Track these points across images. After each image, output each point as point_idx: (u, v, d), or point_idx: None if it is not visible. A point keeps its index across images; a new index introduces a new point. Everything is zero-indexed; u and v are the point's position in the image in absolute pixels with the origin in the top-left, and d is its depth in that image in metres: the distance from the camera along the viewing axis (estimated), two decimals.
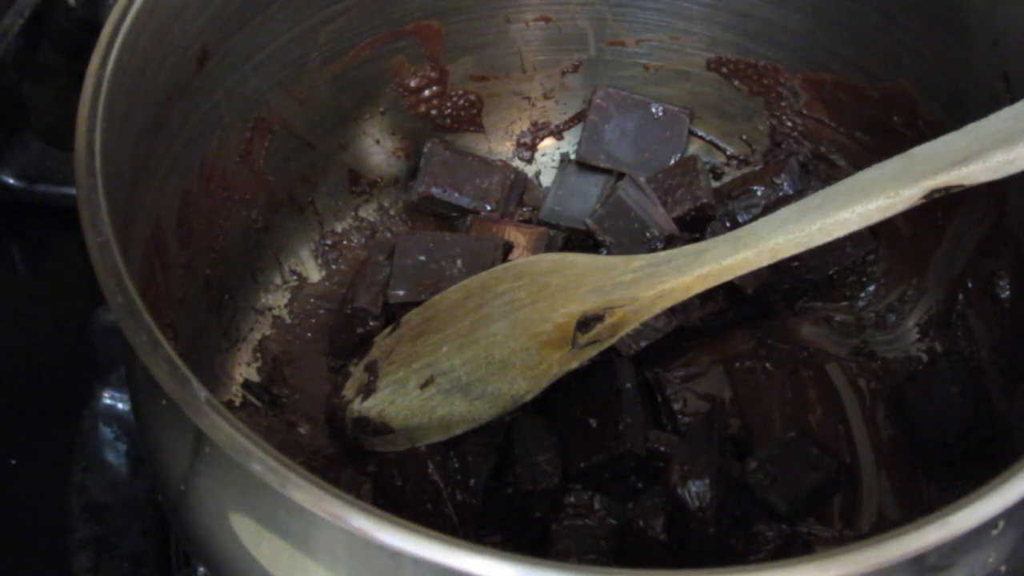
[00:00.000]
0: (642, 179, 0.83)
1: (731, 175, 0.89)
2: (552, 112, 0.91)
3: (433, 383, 0.73)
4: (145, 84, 0.65)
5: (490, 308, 0.73)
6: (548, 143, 0.92)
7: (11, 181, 0.93)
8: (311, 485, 0.47)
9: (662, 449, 0.73)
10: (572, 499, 0.73)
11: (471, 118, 0.90)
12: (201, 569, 0.64)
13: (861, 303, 0.84)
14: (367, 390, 0.75)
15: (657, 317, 0.75)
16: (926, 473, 0.76)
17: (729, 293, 0.79)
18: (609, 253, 0.80)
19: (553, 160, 0.91)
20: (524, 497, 0.71)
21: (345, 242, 0.86)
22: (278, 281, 0.83)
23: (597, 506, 0.73)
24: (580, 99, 0.90)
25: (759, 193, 0.83)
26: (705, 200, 0.81)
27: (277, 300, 0.83)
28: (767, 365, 0.81)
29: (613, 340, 0.70)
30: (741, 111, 0.88)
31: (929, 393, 0.76)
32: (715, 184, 0.88)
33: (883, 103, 0.81)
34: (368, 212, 0.88)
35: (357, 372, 0.77)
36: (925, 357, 0.80)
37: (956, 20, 0.75)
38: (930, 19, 0.76)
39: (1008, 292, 0.76)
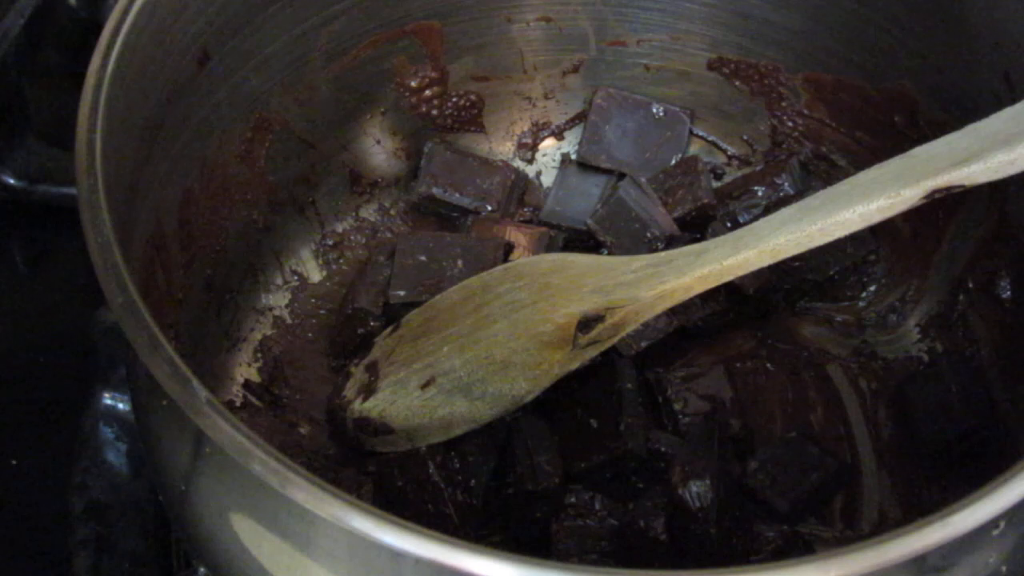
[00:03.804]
0: (643, 179, 0.83)
1: (732, 175, 0.89)
2: (553, 112, 0.91)
3: (434, 383, 0.73)
4: (145, 84, 0.65)
5: (491, 308, 0.73)
6: (549, 143, 0.92)
7: (11, 181, 0.93)
8: (312, 485, 0.47)
9: (663, 449, 0.73)
10: (573, 499, 0.73)
11: (472, 118, 0.90)
12: (202, 569, 0.64)
13: (862, 303, 0.84)
14: (368, 390, 0.75)
15: (658, 317, 0.75)
16: (927, 473, 0.76)
17: (730, 293, 0.79)
18: (610, 253, 0.80)
19: (554, 160, 0.91)
20: (525, 497, 0.71)
21: (346, 242, 0.86)
22: (279, 281, 0.83)
23: (598, 506, 0.73)
24: (581, 99, 0.90)
25: (760, 193, 0.83)
26: (706, 200, 0.81)
27: (278, 300, 0.83)
28: (768, 365, 0.81)
29: (614, 340, 0.70)
30: (742, 111, 0.88)
31: (930, 393, 0.76)
32: (716, 184, 0.88)
33: (884, 103, 0.81)
34: (369, 212, 0.88)
35: (358, 372, 0.77)
36: (926, 357, 0.80)
37: (957, 20, 0.75)
38: (931, 19, 0.76)
39: (1009, 292, 0.76)
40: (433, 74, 0.86)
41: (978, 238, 0.78)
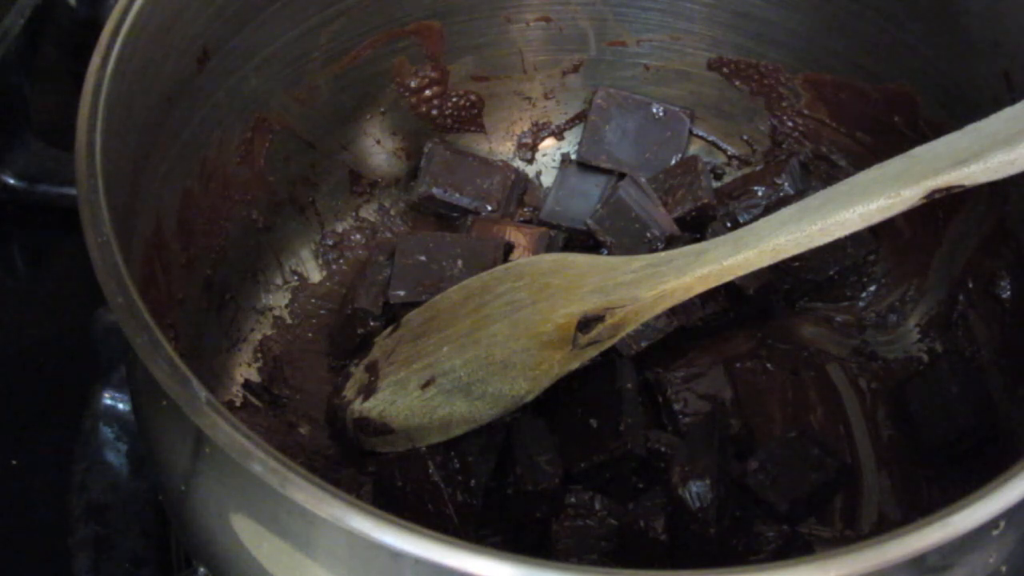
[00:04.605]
0: (643, 179, 0.83)
1: (732, 175, 0.89)
2: (553, 112, 0.91)
3: (434, 383, 0.73)
4: (145, 84, 0.65)
5: (491, 308, 0.73)
6: (549, 143, 0.92)
7: (11, 181, 0.93)
8: (312, 486, 0.47)
9: (663, 449, 0.73)
10: (572, 499, 0.73)
11: (472, 118, 0.90)
12: (202, 569, 0.64)
13: (862, 303, 0.84)
14: (368, 390, 0.75)
15: (658, 317, 0.75)
16: (927, 473, 0.76)
17: (730, 293, 0.79)
18: (610, 253, 0.80)
19: (554, 160, 0.91)
20: (524, 497, 0.71)
21: (346, 242, 0.86)
22: (279, 281, 0.83)
23: (597, 506, 0.73)
24: (581, 99, 0.90)
25: (760, 193, 0.83)
26: (706, 200, 0.81)
27: (278, 300, 0.83)
28: (768, 365, 0.81)
29: (614, 340, 0.70)
30: (742, 111, 0.88)
31: (930, 393, 0.76)
32: (716, 184, 0.88)
33: (884, 103, 0.81)
34: (369, 212, 0.88)
35: (358, 372, 0.77)
36: (926, 357, 0.80)
37: (957, 20, 0.75)
38: (931, 19, 0.76)
39: (1009, 292, 0.76)
40: (433, 74, 0.86)
41: (979, 238, 0.78)
